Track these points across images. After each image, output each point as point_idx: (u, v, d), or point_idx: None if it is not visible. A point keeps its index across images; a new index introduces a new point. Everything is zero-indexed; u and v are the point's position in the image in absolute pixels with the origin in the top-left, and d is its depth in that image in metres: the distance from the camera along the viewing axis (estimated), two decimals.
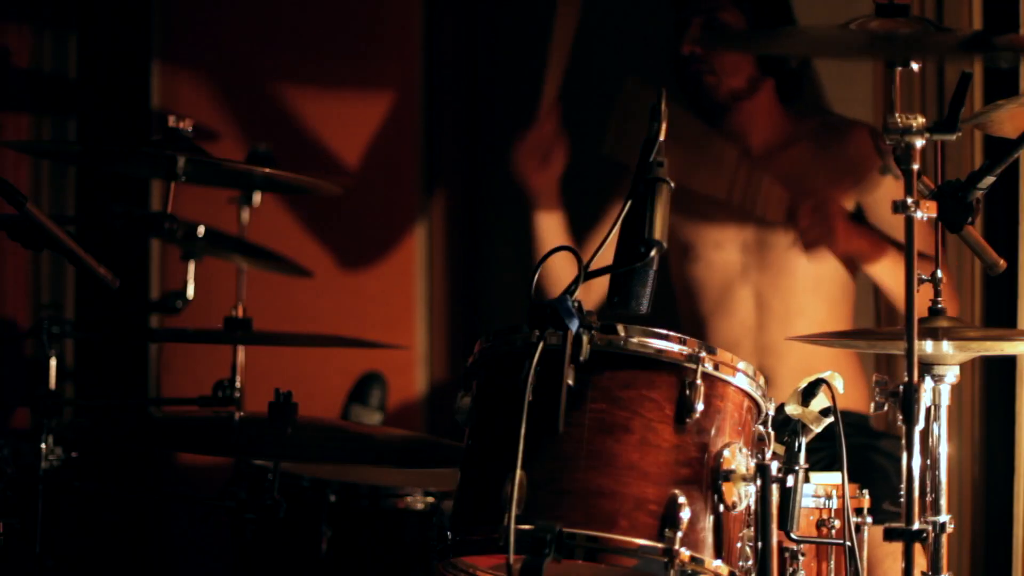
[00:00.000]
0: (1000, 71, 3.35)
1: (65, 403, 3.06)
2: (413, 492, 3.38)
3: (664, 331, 2.19)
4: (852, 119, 3.71)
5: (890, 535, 2.14)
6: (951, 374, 2.45)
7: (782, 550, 2.44)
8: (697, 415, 2.17)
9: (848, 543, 2.39)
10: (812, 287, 3.57)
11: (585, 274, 2.10)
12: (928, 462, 2.42)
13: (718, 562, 2.17)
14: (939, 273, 2.43)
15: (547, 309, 2.07)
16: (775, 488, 2.22)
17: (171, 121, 3.00)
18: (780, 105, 3.67)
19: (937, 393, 2.44)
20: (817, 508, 2.52)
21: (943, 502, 2.43)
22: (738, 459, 2.18)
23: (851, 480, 2.52)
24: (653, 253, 2.10)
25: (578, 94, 3.78)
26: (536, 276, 2.18)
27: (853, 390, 2.99)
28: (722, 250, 3.62)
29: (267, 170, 3.34)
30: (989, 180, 2.25)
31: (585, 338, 2.08)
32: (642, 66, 3.95)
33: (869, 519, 2.55)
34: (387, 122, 4.01)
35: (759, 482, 2.21)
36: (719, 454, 2.18)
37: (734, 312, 3.61)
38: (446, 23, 4.45)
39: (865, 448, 3.39)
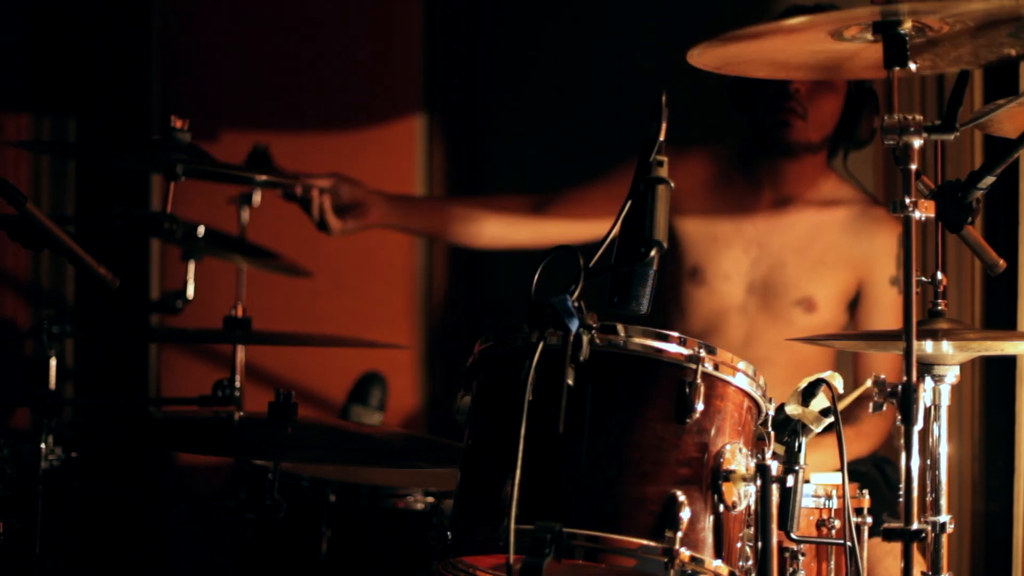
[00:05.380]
0: (1001, 70, 3.34)
1: (65, 403, 3.06)
2: (413, 492, 3.38)
3: (664, 331, 2.19)
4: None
5: (889, 535, 2.14)
6: (951, 374, 2.44)
7: (782, 550, 2.45)
8: (697, 415, 2.16)
9: (848, 543, 2.39)
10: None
11: (585, 274, 2.09)
12: (928, 462, 2.42)
13: (718, 562, 2.17)
14: (939, 275, 2.43)
15: (547, 309, 2.07)
16: (775, 488, 2.22)
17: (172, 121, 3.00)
18: (829, 166, 3.63)
19: (937, 393, 2.44)
20: (817, 508, 2.52)
21: (943, 502, 2.43)
22: (738, 459, 2.18)
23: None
24: (653, 253, 2.10)
25: None
26: (536, 276, 2.18)
27: None
28: (730, 283, 3.60)
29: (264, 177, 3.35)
30: (989, 180, 2.25)
31: (585, 338, 2.08)
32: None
33: (869, 519, 2.55)
34: (388, 122, 4.01)
35: (759, 482, 2.21)
36: (719, 454, 2.18)
37: (724, 335, 3.59)
38: (447, 24, 4.45)
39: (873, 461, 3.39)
